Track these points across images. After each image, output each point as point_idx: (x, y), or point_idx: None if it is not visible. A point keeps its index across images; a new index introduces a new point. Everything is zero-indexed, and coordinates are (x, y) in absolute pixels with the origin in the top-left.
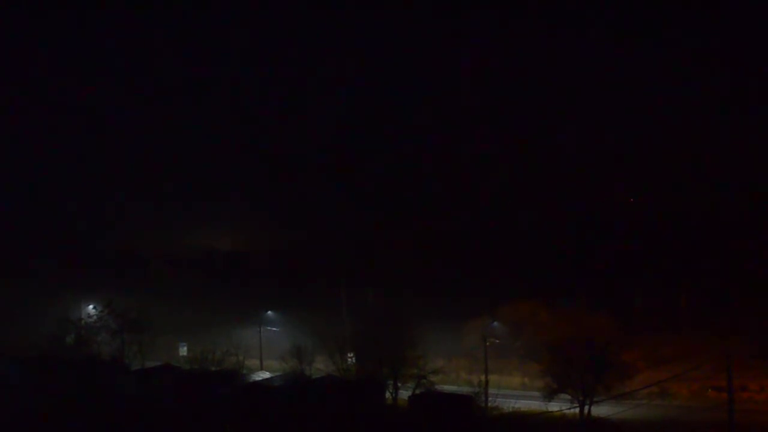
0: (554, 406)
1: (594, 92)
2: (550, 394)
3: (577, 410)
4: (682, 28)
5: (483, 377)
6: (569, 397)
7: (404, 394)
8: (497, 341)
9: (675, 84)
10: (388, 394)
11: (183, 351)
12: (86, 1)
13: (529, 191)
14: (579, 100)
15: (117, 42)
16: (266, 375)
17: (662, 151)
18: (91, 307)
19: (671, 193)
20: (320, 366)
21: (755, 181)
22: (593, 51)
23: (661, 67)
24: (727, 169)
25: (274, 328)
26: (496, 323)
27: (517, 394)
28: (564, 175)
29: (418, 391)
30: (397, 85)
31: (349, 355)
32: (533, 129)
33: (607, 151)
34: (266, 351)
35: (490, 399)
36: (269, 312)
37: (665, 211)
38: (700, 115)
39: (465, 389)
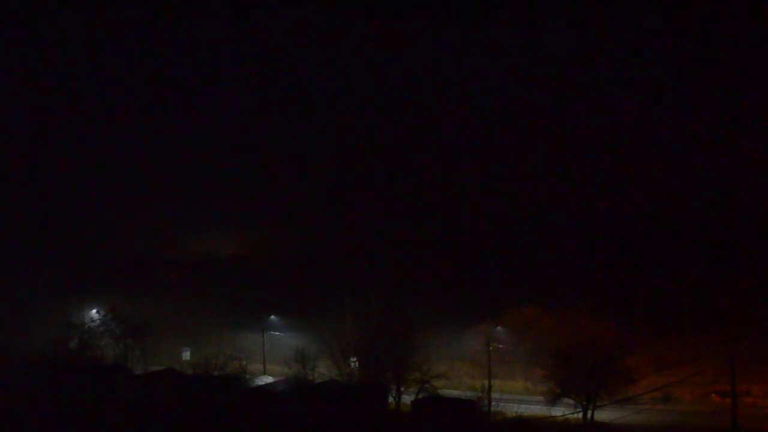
0: (557, 411)
1: (597, 93)
2: (553, 399)
3: (581, 415)
4: (683, 29)
5: (486, 382)
6: (572, 401)
7: (407, 398)
8: (500, 346)
9: (678, 86)
10: (391, 399)
11: (186, 356)
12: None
13: (533, 195)
14: (581, 101)
15: (120, 44)
16: (269, 379)
17: (665, 152)
18: (94, 311)
19: (675, 196)
20: (323, 371)
21: (758, 184)
22: (593, 50)
23: (665, 68)
24: (730, 172)
25: (278, 333)
26: (499, 328)
27: (520, 398)
28: (567, 178)
29: (421, 396)
30: (398, 87)
31: (352, 359)
32: (535, 131)
33: (610, 154)
34: (269, 356)
35: (493, 404)
36: (272, 317)
37: (669, 214)
38: (701, 116)
39: (468, 394)
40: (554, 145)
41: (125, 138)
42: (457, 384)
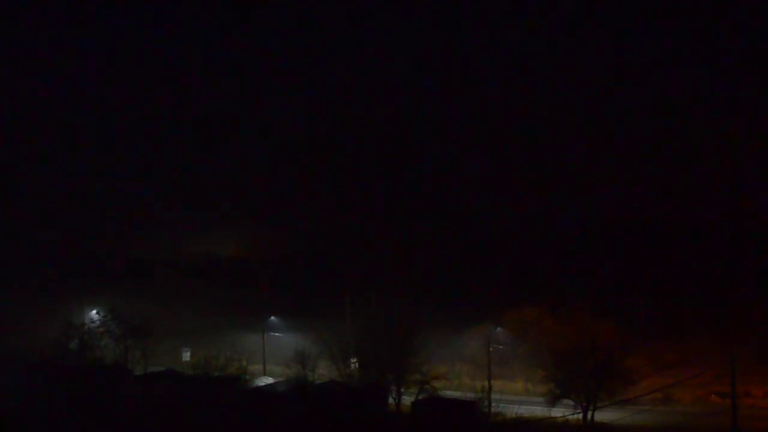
0: (557, 412)
1: (597, 98)
2: (553, 400)
3: (581, 416)
4: (680, 30)
5: (486, 383)
6: (572, 402)
7: (407, 399)
8: (501, 347)
9: (678, 90)
10: (391, 400)
11: (186, 356)
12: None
13: (533, 196)
14: (580, 104)
15: (119, 45)
16: (269, 380)
17: (664, 156)
18: (94, 312)
19: (676, 198)
20: (323, 371)
21: (758, 186)
22: (591, 53)
23: (667, 70)
24: (730, 174)
25: (278, 334)
26: (499, 329)
27: (520, 399)
28: (568, 181)
29: (421, 397)
30: (398, 89)
31: (352, 360)
32: (535, 134)
33: (610, 157)
34: (270, 356)
35: (493, 405)
36: (273, 318)
37: (669, 216)
38: (700, 119)
39: (468, 395)
40: (555, 146)
41: (125, 138)
42: (457, 385)
